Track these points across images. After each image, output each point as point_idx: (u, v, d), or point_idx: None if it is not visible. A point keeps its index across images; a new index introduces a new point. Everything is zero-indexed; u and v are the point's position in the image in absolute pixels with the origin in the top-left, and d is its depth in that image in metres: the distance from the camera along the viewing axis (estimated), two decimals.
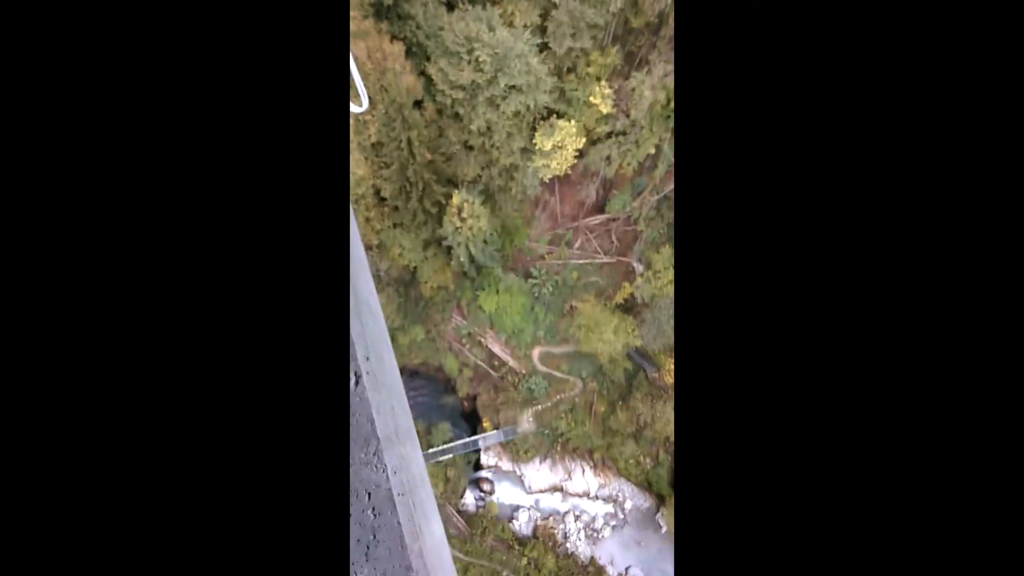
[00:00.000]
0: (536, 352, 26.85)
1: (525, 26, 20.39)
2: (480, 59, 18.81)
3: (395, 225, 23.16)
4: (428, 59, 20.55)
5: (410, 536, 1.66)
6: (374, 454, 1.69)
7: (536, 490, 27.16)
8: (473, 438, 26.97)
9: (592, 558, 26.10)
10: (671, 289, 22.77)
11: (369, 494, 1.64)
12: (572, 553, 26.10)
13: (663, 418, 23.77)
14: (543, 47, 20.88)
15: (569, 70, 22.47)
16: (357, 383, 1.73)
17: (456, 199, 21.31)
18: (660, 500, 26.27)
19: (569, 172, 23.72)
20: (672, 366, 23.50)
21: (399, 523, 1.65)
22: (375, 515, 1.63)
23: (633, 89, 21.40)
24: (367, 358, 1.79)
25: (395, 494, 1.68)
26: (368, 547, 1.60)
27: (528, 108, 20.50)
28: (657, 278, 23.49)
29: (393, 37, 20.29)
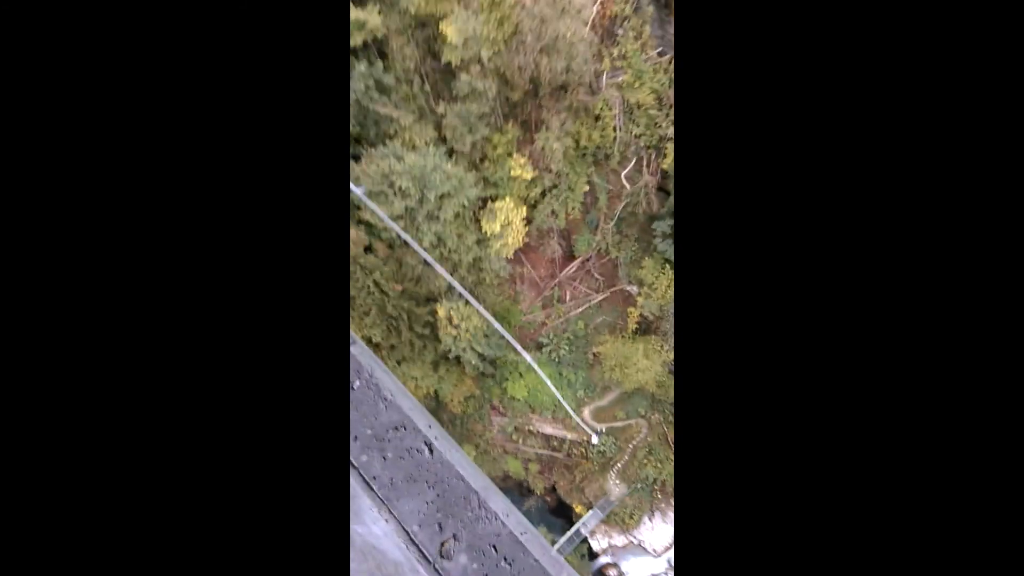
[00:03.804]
0: (587, 413, 25.89)
1: (427, 143, 22.30)
2: (403, 187, 20.27)
3: (399, 363, 23.21)
4: (359, 208, 22.00)
5: (552, 567, 1.59)
6: (480, 507, 1.66)
7: (663, 549, 24.71)
8: (573, 529, 24.92)
9: None
10: (671, 293, 22.83)
11: (495, 547, 1.60)
12: None
13: None
14: (450, 152, 22.70)
15: (482, 159, 24.28)
16: (431, 451, 1.75)
17: (442, 311, 21.71)
18: None
19: (527, 240, 24.66)
20: None
21: (536, 560, 1.59)
22: (510, 563, 1.58)
23: (542, 148, 23.12)
24: (429, 426, 1.83)
25: (518, 535, 1.64)
26: None
27: (464, 206, 21.79)
28: (654, 290, 23.66)
29: None
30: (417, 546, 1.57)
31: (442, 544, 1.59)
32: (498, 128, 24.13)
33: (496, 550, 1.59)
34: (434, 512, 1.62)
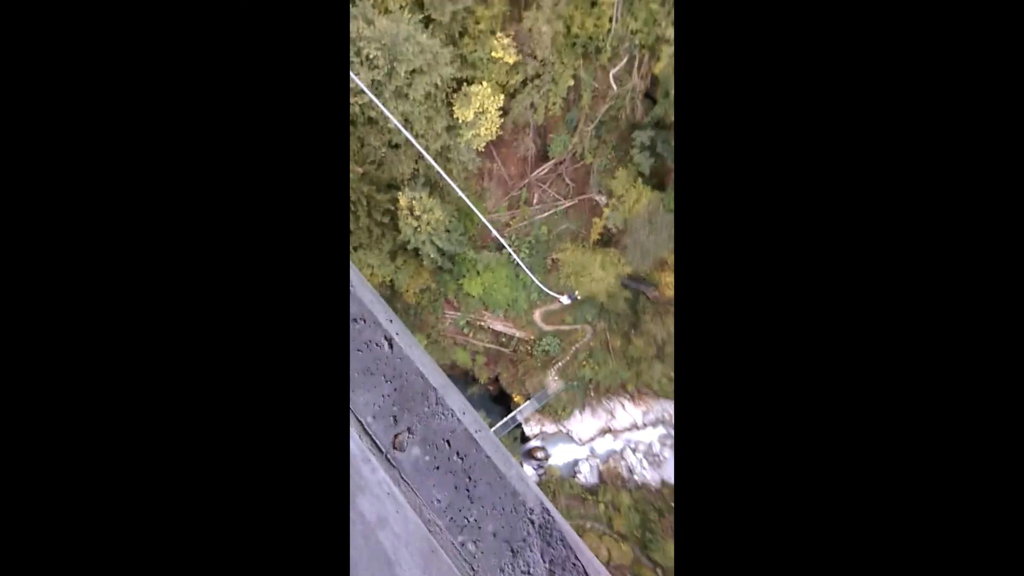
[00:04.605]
0: (537, 315, 27.00)
1: (401, 7, 19.65)
2: (370, 56, 18.12)
3: (355, 248, 22.70)
4: None
5: (503, 465, 1.63)
6: (436, 403, 1.64)
7: (587, 440, 27.77)
8: (509, 415, 27.29)
9: (662, 480, 26.98)
10: (639, 208, 22.88)
11: (448, 441, 1.61)
12: (643, 483, 26.93)
13: None
14: (427, 21, 20.20)
15: (461, 34, 21.86)
16: (391, 345, 1.67)
17: (403, 200, 20.89)
18: None
19: (500, 133, 23.37)
20: (667, 280, 23.85)
21: (488, 456, 1.62)
22: (462, 458, 1.60)
23: (530, 29, 20.96)
24: (390, 320, 1.73)
25: (472, 432, 1.65)
26: (468, 490, 1.57)
27: (436, 86, 19.94)
28: (622, 203, 23.57)
29: None
30: (371, 436, 1.54)
31: (395, 436, 1.56)
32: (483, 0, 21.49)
33: (449, 445, 1.59)
34: (390, 405, 1.58)
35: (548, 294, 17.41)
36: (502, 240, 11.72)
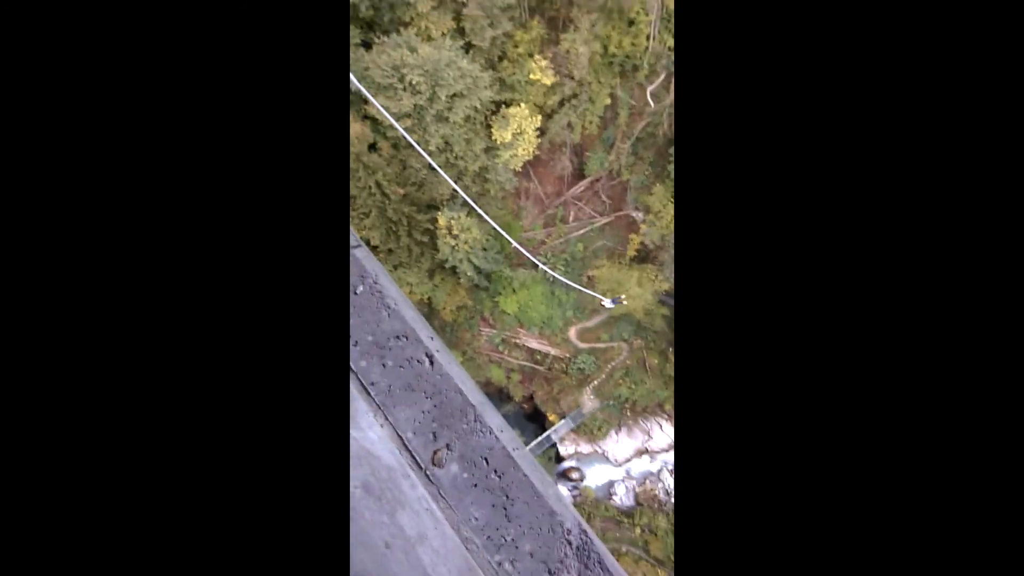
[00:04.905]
0: (572, 332, 26.76)
1: (443, 34, 20.42)
2: (413, 82, 18.89)
3: (395, 267, 23.34)
4: (365, 102, 20.71)
5: (540, 484, 1.64)
6: (475, 421, 1.67)
7: (623, 460, 27.00)
8: (544, 435, 26.93)
9: None
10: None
11: (486, 459, 1.63)
12: None
13: None
14: (468, 47, 20.88)
15: (500, 58, 22.46)
16: (432, 363, 1.72)
17: (442, 220, 21.40)
18: None
19: (537, 153, 23.67)
20: None
21: (525, 475, 1.62)
22: (500, 476, 1.61)
23: (567, 51, 21.31)
24: (431, 338, 1.78)
25: (510, 451, 1.66)
26: (505, 508, 1.58)
27: (476, 109, 20.50)
28: (659, 219, 23.23)
29: None
30: (410, 452, 1.58)
31: (435, 452, 1.60)
32: (522, 24, 22.01)
33: (487, 462, 1.61)
34: (429, 422, 1.62)
35: (589, 294, 17.18)
36: (534, 259, 11.73)
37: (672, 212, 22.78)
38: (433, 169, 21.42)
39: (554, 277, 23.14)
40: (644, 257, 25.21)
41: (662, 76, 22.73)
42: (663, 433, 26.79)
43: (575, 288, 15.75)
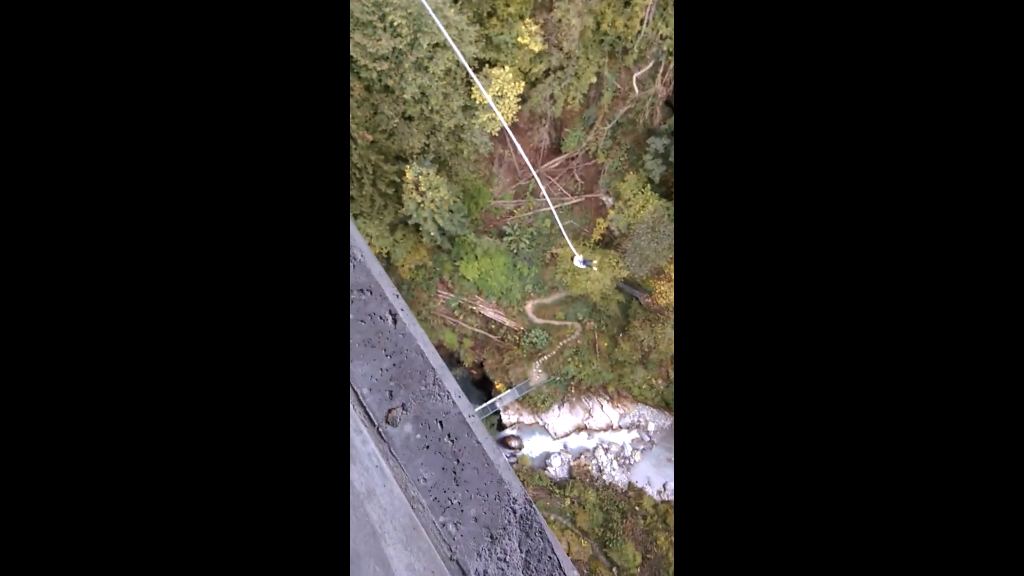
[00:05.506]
0: (529, 307, 27.05)
1: None
2: (395, 23, 17.79)
3: (356, 216, 22.51)
4: None
5: (492, 452, 1.64)
6: (434, 383, 1.64)
7: (562, 435, 28.04)
8: (489, 402, 27.45)
9: (630, 483, 27.37)
10: (644, 214, 22.85)
11: (441, 423, 1.61)
12: (610, 483, 27.30)
13: (664, 339, 24.40)
14: None
15: (489, 14, 21.52)
16: (395, 320, 1.66)
17: (410, 174, 20.68)
18: None
19: (516, 120, 23.16)
20: (662, 288, 23.93)
21: (478, 442, 1.62)
22: (452, 440, 1.60)
23: (559, 20, 20.67)
24: (396, 295, 1.72)
25: (465, 416, 1.65)
26: (455, 472, 1.58)
27: (458, 64, 19.66)
28: (628, 207, 23.51)
29: None
30: (364, 407, 1.53)
31: (389, 411, 1.56)
32: None
33: (442, 426, 1.59)
34: (387, 380, 1.57)
35: (570, 247, 17.23)
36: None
37: (641, 202, 23.10)
38: (406, 119, 20.49)
39: (515, 253, 22.95)
40: (608, 242, 25.57)
41: (650, 64, 22.57)
42: (603, 413, 27.93)
43: (561, 229, 15.73)
